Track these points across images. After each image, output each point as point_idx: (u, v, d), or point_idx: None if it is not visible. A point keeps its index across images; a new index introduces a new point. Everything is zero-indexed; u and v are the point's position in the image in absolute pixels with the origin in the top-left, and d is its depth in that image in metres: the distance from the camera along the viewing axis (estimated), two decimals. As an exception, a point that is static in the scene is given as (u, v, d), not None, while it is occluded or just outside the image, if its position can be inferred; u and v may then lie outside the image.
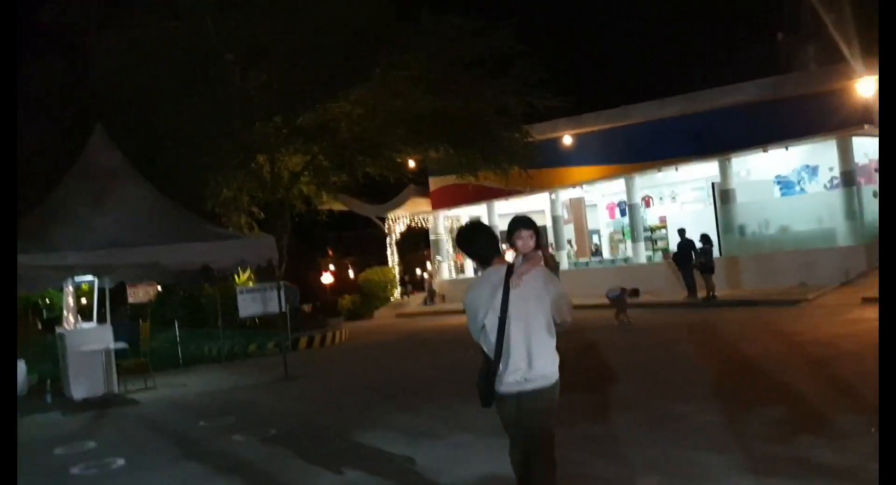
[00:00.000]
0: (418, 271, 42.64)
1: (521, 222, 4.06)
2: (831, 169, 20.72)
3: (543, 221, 31.28)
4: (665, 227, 24.37)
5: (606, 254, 26.35)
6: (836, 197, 18.47)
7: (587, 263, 24.74)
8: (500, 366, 3.73)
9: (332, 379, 11.99)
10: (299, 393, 10.72)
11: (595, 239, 27.49)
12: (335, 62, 17.85)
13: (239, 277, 20.23)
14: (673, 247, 22.25)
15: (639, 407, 7.34)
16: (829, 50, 21.34)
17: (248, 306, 15.78)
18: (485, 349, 3.83)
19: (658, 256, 23.14)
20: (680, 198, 24.62)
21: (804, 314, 13.92)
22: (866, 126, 17.42)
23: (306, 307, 23.95)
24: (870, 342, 9.86)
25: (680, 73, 44.15)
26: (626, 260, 24.03)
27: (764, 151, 19.31)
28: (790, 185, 21.61)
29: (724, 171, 20.29)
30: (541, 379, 3.78)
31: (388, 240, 31.68)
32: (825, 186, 20.80)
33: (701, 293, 18.03)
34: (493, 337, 3.74)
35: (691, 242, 18.10)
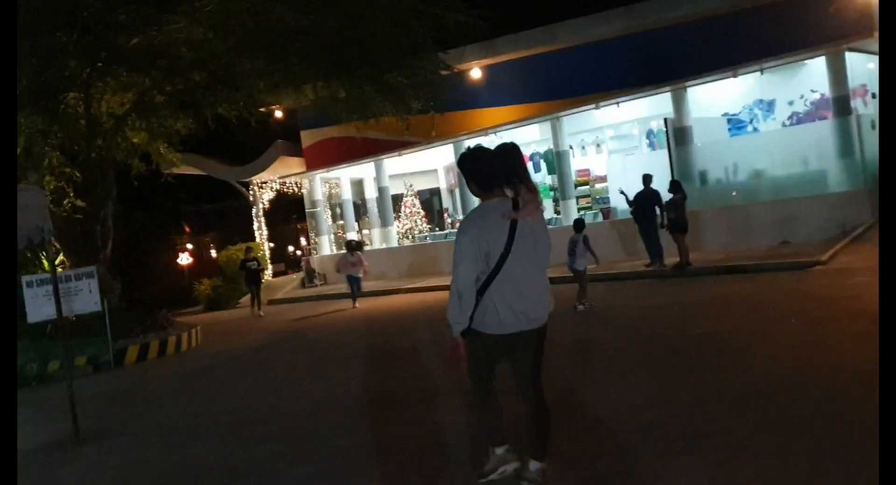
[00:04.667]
0: (291, 248, 37.33)
1: (517, 154, 3.80)
2: (791, 103, 17.33)
3: (437, 182, 26.82)
4: (587, 182, 20.43)
5: (518, 217, 22.07)
6: (827, 131, 14.92)
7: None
8: (503, 303, 3.58)
9: (154, 441, 6.50)
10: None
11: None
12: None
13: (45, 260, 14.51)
14: (616, 203, 18.38)
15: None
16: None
17: (42, 306, 10.24)
18: (474, 278, 3.58)
19: (594, 216, 19.05)
20: (607, 145, 20.66)
21: (849, 284, 9.98)
22: (870, 37, 13.78)
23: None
24: None
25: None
26: (551, 222, 19.88)
27: (734, 75, 15.44)
28: (741, 124, 18.06)
29: (678, 104, 16.31)
30: (545, 315, 3.76)
31: (253, 210, 26.13)
32: (784, 124, 17.39)
33: (669, 260, 14.08)
34: (491, 267, 3.56)
35: (657, 194, 14.04)
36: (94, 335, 11.48)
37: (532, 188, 3.67)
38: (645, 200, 14.00)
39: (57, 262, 14.62)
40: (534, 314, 3.65)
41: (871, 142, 14.28)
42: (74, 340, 11.22)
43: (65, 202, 14.05)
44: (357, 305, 16.10)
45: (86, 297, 10.61)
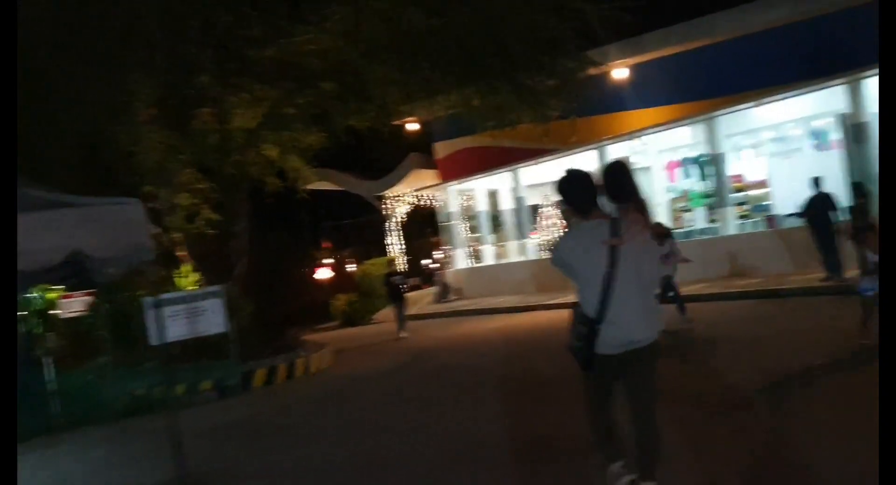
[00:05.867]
0: (425, 262, 36.98)
1: (624, 172, 3.81)
2: None
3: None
4: (743, 188, 18.50)
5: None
6: None
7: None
8: (607, 325, 3.59)
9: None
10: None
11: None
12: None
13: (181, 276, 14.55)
14: (781, 209, 16.51)
15: None
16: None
17: (166, 327, 9.93)
18: (582, 305, 3.70)
19: (754, 225, 17.17)
20: (766, 147, 18.57)
21: None
22: None
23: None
24: None
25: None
26: (703, 232, 18.15)
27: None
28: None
29: (854, 97, 14.32)
30: (652, 336, 3.70)
31: (387, 224, 25.82)
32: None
33: (852, 272, 12.19)
34: (595, 294, 3.58)
35: (830, 198, 12.24)
36: (223, 357, 11.08)
37: (641, 207, 3.68)
38: (819, 204, 12.21)
39: (192, 279, 14.60)
40: (638, 336, 3.64)
41: None
42: (201, 363, 10.89)
43: (198, 219, 13.91)
44: (689, 317, 11.07)
45: (211, 317, 10.21)
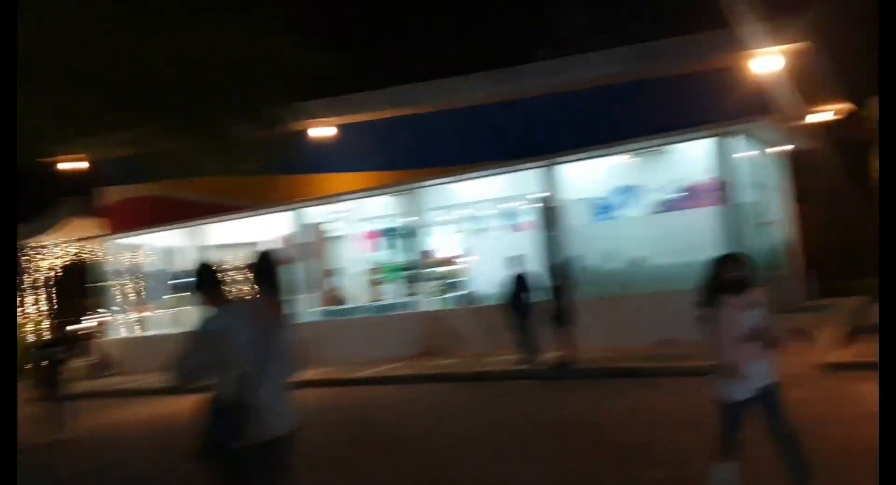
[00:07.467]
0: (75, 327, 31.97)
1: (271, 263, 4.03)
2: (659, 189, 16.15)
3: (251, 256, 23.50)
4: (439, 262, 18.20)
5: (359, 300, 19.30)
6: (708, 218, 13.71)
7: (351, 311, 17.69)
8: (257, 411, 3.53)
9: None
10: None
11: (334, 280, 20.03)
12: None
13: None
14: (476, 287, 16.33)
15: None
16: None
17: None
18: (220, 392, 3.64)
19: (449, 301, 16.69)
20: (459, 224, 18.49)
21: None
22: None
23: None
24: None
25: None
26: (397, 306, 17.30)
27: (628, 152, 13.99)
28: (606, 209, 16.68)
29: (549, 181, 14.59)
30: (290, 424, 3.75)
31: (26, 279, 21.51)
32: (655, 212, 16.15)
33: (548, 354, 11.89)
34: (232, 379, 3.59)
35: (524, 278, 12.04)
36: None
37: (273, 300, 3.90)
38: (518, 284, 11.91)
39: None
40: (276, 423, 3.62)
41: (755, 234, 13.22)
42: None
43: None
44: None
45: None
